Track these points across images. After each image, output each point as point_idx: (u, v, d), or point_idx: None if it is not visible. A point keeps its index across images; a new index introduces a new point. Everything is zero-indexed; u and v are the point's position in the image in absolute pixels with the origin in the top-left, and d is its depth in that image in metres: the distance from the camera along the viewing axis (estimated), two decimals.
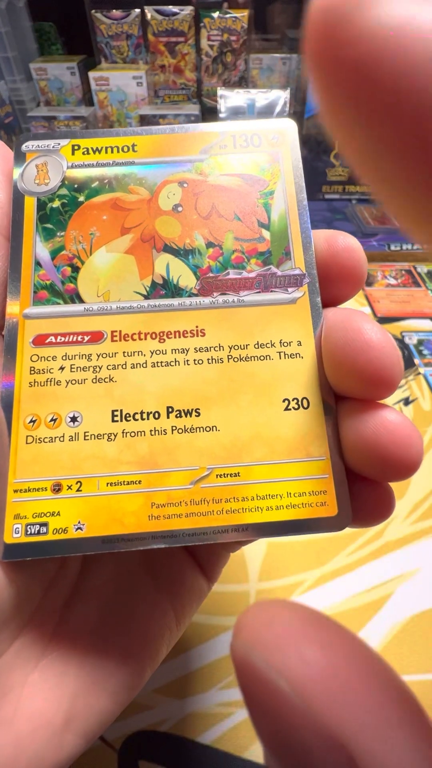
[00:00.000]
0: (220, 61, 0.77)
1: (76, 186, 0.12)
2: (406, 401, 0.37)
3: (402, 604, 0.26)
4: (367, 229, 0.65)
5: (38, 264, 0.11)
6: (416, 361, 0.41)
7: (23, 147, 0.12)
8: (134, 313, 0.11)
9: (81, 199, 0.12)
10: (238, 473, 0.10)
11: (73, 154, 0.12)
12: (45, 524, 0.10)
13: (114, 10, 0.73)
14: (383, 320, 0.46)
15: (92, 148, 0.12)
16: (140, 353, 0.11)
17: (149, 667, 0.13)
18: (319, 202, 0.73)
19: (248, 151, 0.12)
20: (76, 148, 0.12)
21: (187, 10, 0.72)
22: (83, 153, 0.12)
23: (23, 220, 0.11)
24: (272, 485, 0.11)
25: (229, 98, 0.64)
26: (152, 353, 0.11)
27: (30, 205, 0.11)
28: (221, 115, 0.64)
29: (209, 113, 0.81)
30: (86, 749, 0.11)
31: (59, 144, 0.12)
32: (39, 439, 0.11)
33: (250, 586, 0.27)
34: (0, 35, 0.72)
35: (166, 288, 0.11)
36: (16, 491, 0.10)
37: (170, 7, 0.72)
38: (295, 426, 0.11)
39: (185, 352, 0.11)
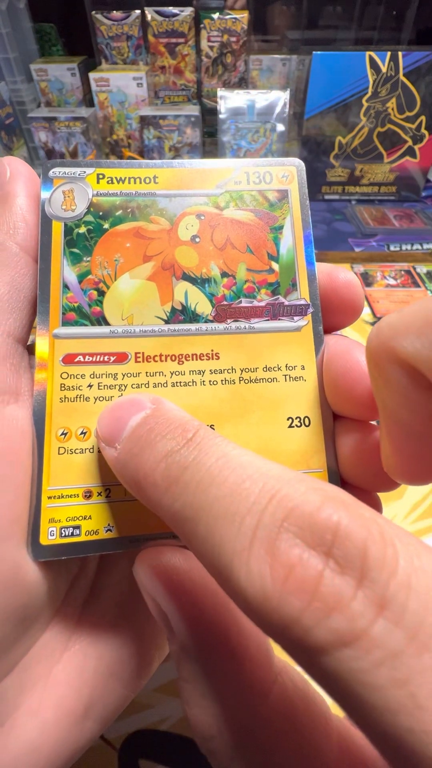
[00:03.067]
0: (220, 62, 0.77)
1: (101, 213, 0.13)
2: None
3: None
4: (366, 230, 0.65)
5: (66, 287, 0.12)
6: None
7: (51, 173, 0.13)
8: (156, 336, 0.12)
9: (106, 226, 0.12)
10: None
11: (98, 182, 0.13)
12: (78, 527, 0.11)
13: (114, 11, 0.73)
14: None
15: (116, 178, 0.13)
16: (161, 374, 0.12)
17: (157, 657, 0.14)
18: (318, 202, 0.73)
19: (260, 187, 0.13)
20: (101, 176, 0.13)
21: (188, 11, 0.72)
22: (108, 182, 0.13)
23: (51, 244, 0.12)
24: None
25: (229, 99, 0.64)
26: (172, 374, 0.12)
27: (57, 230, 0.12)
28: (221, 116, 0.64)
29: (209, 114, 0.81)
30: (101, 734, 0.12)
31: (85, 172, 0.13)
32: (70, 450, 0.11)
33: None
34: (1, 36, 0.72)
35: (184, 314, 0.12)
36: (50, 497, 0.11)
37: (170, 8, 0.72)
38: (297, 441, 0.12)
39: (202, 373, 0.12)
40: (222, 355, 0.12)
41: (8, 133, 0.74)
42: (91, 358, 0.12)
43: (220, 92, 0.64)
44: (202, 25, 0.74)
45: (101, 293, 0.12)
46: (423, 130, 0.67)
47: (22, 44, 0.77)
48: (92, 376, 0.12)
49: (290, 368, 0.13)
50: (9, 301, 0.12)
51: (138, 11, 0.73)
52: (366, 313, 0.47)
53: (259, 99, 0.64)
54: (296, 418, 0.12)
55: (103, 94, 0.71)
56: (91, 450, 0.12)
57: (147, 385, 0.12)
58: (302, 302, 0.13)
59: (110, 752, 0.22)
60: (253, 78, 0.80)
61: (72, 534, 0.11)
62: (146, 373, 0.12)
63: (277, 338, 0.13)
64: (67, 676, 0.12)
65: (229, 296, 0.13)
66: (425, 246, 0.62)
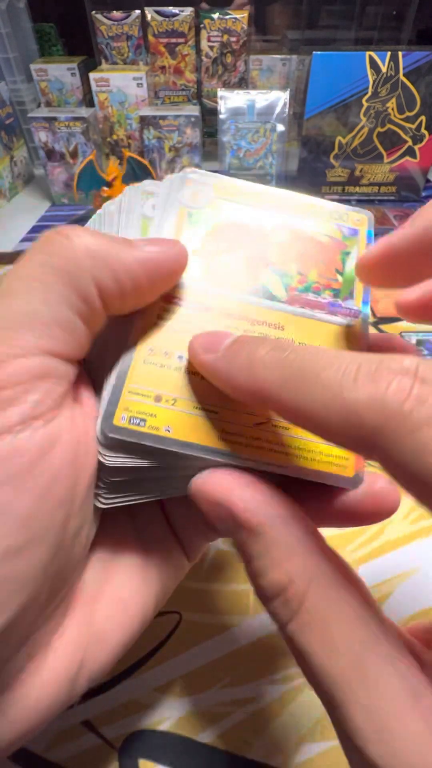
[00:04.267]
0: (220, 62, 0.77)
1: (216, 211, 0.16)
2: None
3: (401, 604, 0.27)
4: None
5: None
6: None
7: (188, 175, 0.17)
8: (239, 302, 0.15)
9: (217, 219, 0.16)
10: (288, 428, 0.14)
11: (218, 190, 0.17)
12: (144, 420, 0.14)
13: (114, 11, 0.73)
14: (383, 320, 0.46)
15: (233, 189, 0.17)
16: (237, 328, 0.15)
17: (136, 632, 0.16)
18: None
19: (339, 222, 0.17)
20: (220, 186, 0.17)
21: (188, 11, 0.72)
22: (225, 191, 0.17)
23: (175, 221, 0.16)
24: (311, 443, 0.14)
25: (229, 99, 0.64)
26: (245, 331, 0.15)
27: (183, 213, 0.16)
28: (221, 116, 0.64)
29: (209, 114, 0.81)
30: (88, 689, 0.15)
31: (210, 180, 0.17)
32: (154, 363, 0.14)
33: (249, 585, 0.27)
34: (1, 36, 0.72)
35: (264, 293, 0.16)
36: (129, 392, 0.14)
37: (170, 8, 0.72)
38: None
39: (267, 336, 0.15)
40: (286, 328, 0.15)
41: (8, 133, 0.74)
42: (184, 303, 0.15)
43: (220, 92, 0.64)
44: (202, 25, 0.74)
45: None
46: (423, 131, 0.67)
47: (22, 44, 0.77)
48: (182, 314, 0.15)
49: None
50: (48, 315, 0.12)
51: (138, 11, 0.73)
52: None
53: (259, 99, 0.64)
54: None
55: (103, 94, 0.71)
56: (170, 367, 0.14)
57: None
58: (355, 308, 0.16)
59: (110, 752, 0.22)
60: (253, 78, 0.80)
61: (138, 424, 0.14)
62: (225, 324, 0.15)
63: (331, 328, 0.16)
64: (68, 641, 0.14)
65: (300, 289, 0.16)
66: None
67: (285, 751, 0.22)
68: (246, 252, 0.16)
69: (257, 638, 0.25)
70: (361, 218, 0.17)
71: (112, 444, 0.14)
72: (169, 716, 0.23)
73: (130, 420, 0.14)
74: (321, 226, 0.17)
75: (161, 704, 0.23)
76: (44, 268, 0.12)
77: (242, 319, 0.15)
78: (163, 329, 0.15)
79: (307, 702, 0.23)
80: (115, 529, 0.17)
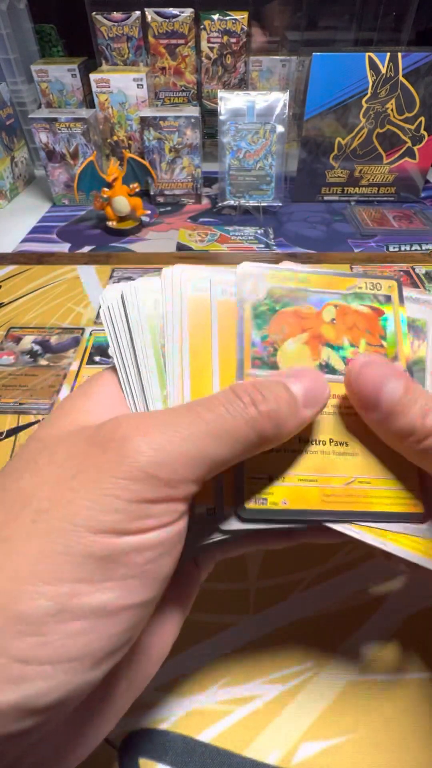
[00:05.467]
0: (220, 64, 0.78)
1: (274, 299, 0.19)
2: None
3: (400, 604, 0.27)
4: (365, 231, 0.66)
5: (253, 344, 0.18)
6: None
7: (241, 269, 0.19)
8: None
9: (278, 307, 0.19)
10: (369, 482, 0.17)
11: (271, 278, 0.19)
12: (265, 499, 0.17)
13: (114, 12, 0.74)
14: None
15: (282, 277, 0.19)
16: None
17: (170, 643, 0.19)
18: (318, 203, 0.73)
19: (374, 292, 0.19)
20: (273, 276, 0.19)
21: (188, 12, 0.72)
22: (278, 279, 0.19)
23: (245, 317, 0.18)
24: (388, 491, 0.17)
25: (229, 100, 0.64)
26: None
27: (248, 308, 0.18)
28: (221, 117, 0.65)
29: (209, 115, 0.81)
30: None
31: (265, 271, 0.19)
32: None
33: (249, 584, 0.28)
34: (1, 37, 0.73)
35: (327, 368, 0.18)
36: (250, 478, 0.17)
37: (170, 9, 0.72)
38: (403, 459, 0.17)
39: (338, 406, 0.18)
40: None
41: (9, 133, 0.74)
42: None
43: (220, 93, 0.64)
44: (202, 26, 0.74)
45: (275, 350, 0.18)
46: (422, 131, 0.67)
47: (23, 45, 0.77)
48: None
49: None
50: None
51: (138, 12, 0.73)
52: None
53: (258, 100, 0.64)
54: None
55: (104, 95, 0.71)
56: (271, 450, 0.16)
57: None
58: (402, 369, 0.18)
59: (110, 751, 0.22)
60: (252, 79, 0.80)
61: (262, 502, 0.17)
62: None
63: None
64: (120, 675, 0.16)
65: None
66: (424, 247, 0.62)
67: (284, 750, 0.22)
68: (306, 333, 0.18)
69: (257, 638, 0.25)
70: (391, 284, 0.20)
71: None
72: (169, 715, 0.23)
73: (255, 500, 0.17)
74: (360, 298, 0.19)
75: (161, 703, 0.23)
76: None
77: None
78: None
79: (306, 701, 0.23)
80: None
